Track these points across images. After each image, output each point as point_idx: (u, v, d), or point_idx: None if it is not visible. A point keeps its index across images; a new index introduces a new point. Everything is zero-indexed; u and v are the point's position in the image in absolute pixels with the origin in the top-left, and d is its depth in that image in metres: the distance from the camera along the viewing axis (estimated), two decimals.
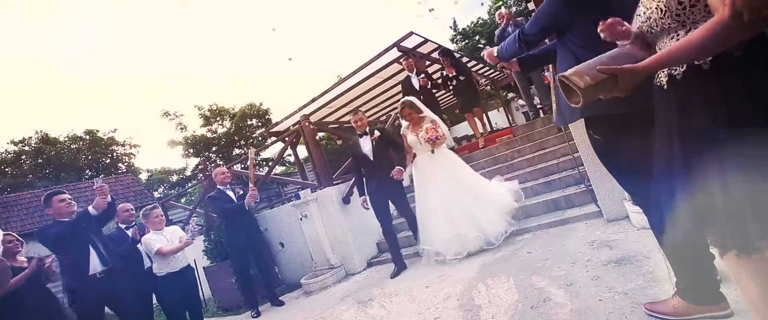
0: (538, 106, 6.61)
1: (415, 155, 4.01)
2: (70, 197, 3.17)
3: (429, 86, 5.96)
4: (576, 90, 1.12)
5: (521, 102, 7.03)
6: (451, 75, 6.04)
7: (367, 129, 4.07)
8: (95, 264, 3.07)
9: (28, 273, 2.90)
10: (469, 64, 10.19)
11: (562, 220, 3.62)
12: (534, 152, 5.37)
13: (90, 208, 3.17)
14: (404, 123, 4.00)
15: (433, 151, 3.80)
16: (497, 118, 15.76)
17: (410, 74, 6.08)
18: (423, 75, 5.97)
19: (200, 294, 5.23)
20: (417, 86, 5.87)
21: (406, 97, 4.10)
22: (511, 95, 16.90)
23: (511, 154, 5.63)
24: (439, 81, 6.22)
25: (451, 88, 6.18)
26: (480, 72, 11.18)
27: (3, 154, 24.78)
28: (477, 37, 23.06)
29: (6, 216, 15.27)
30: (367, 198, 4.09)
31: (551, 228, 3.62)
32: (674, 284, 1.65)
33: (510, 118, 12.88)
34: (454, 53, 6.57)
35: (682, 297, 1.56)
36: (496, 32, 6.20)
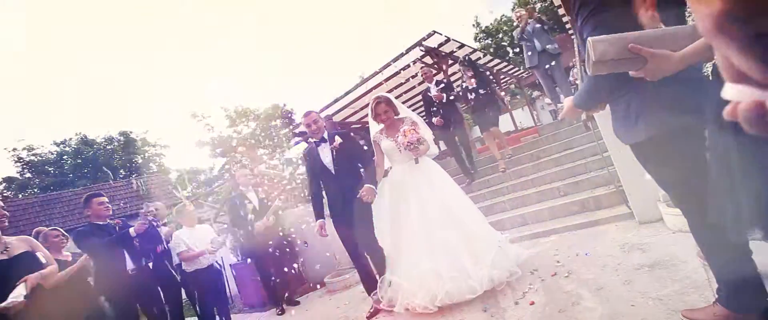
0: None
1: (386, 171, 3.21)
2: (107, 201, 3.35)
3: (444, 101, 5.39)
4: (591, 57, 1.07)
5: (548, 100, 6.72)
6: (470, 87, 5.47)
7: (325, 134, 3.21)
8: (128, 263, 3.25)
9: (78, 267, 3.05)
10: (492, 63, 10.05)
11: (591, 222, 3.51)
12: (560, 151, 5.23)
13: (131, 230, 3.30)
14: (375, 126, 3.18)
15: (416, 160, 2.99)
16: (522, 116, 15.46)
17: (429, 85, 5.63)
18: (442, 85, 5.48)
19: (227, 290, 5.38)
20: (435, 98, 5.43)
21: (381, 94, 3.21)
22: (536, 93, 16.54)
23: (536, 153, 5.51)
24: (460, 93, 5.63)
25: (471, 102, 5.55)
26: (505, 70, 10.98)
27: (47, 155, 26.31)
28: (501, 35, 22.67)
29: (49, 213, 16.20)
30: (325, 222, 3.13)
31: (579, 230, 3.51)
32: (715, 291, 1.57)
33: (535, 117, 12.59)
34: (477, 63, 5.91)
35: (724, 305, 1.48)
36: (515, 33, 6.04)
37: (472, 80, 5.45)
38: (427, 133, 3.09)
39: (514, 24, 6.14)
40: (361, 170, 3.16)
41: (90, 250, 3.13)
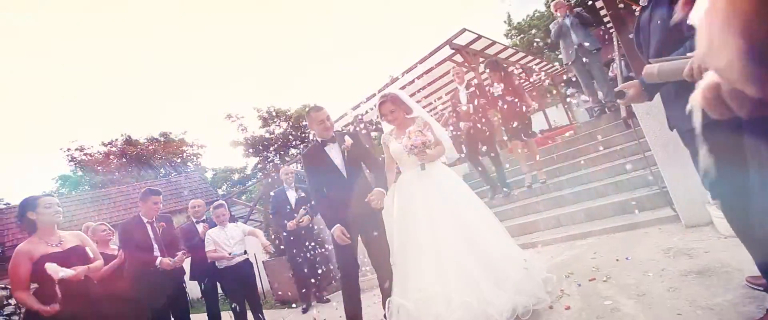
0: (604, 101, 6.03)
1: (398, 174, 2.88)
2: (161, 201, 3.54)
3: (471, 111, 4.83)
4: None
5: (584, 97, 6.38)
6: (498, 93, 4.92)
7: (334, 134, 2.82)
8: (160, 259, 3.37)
9: (118, 262, 3.23)
10: (524, 60, 9.77)
11: (631, 224, 3.33)
12: (598, 151, 5.01)
13: (157, 262, 3.31)
14: (386, 126, 2.88)
15: (422, 167, 2.61)
16: (556, 114, 14.95)
17: (458, 87, 5.07)
18: (472, 88, 4.95)
19: (260, 286, 5.54)
20: (464, 102, 4.91)
21: (388, 92, 2.86)
22: (571, 90, 15.95)
23: (572, 153, 5.30)
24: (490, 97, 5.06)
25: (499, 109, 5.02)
26: (537, 67, 10.65)
27: (95, 155, 28.13)
28: (533, 31, 22.01)
29: (97, 209, 17.32)
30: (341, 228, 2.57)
31: (618, 233, 3.34)
32: None
33: (570, 115, 12.14)
34: (504, 66, 5.23)
35: None
36: (552, 26, 5.77)
37: (500, 86, 4.89)
38: (442, 135, 2.77)
39: (553, 17, 5.88)
40: (367, 173, 2.88)
41: (126, 244, 3.28)
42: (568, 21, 5.50)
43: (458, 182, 2.75)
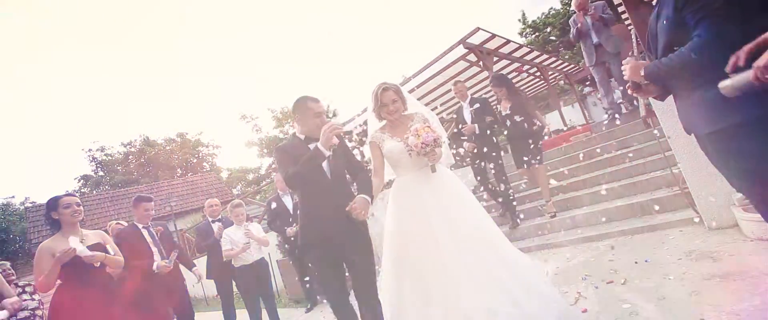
0: (619, 102, 5.75)
1: (386, 182, 2.47)
2: (153, 206, 3.50)
3: (476, 132, 4.35)
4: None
5: (600, 95, 6.17)
6: (505, 112, 4.38)
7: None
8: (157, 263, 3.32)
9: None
10: (539, 59, 9.63)
11: (650, 226, 3.25)
12: (615, 150, 4.90)
13: (154, 267, 3.25)
14: (372, 125, 2.51)
15: (433, 169, 2.23)
16: (572, 114, 14.69)
17: (462, 103, 4.59)
18: (477, 105, 4.43)
19: (274, 285, 5.59)
20: (468, 121, 4.43)
21: (387, 81, 2.42)
22: (587, 89, 15.66)
23: (588, 152, 5.20)
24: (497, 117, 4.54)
25: (505, 131, 4.61)
26: (553, 66, 10.49)
27: (115, 155, 28.91)
28: (548, 30, 21.69)
29: (118, 208, 17.80)
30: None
31: (637, 235, 3.27)
32: None
33: (586, 114, 11.92)
34: (511, 81, 4.61)
35: None
36: (572, 23, 5.56)
37: (508, 103, 4.37)
38: (443, 133, 2.42)
39: (568, 14, 5.77)
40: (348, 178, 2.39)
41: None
42: (588, 20, 5.29)
43: (463, 185, 2.39)
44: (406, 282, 2.13)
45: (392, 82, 2.42)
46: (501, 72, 6.78)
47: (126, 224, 3.69)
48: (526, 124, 4.24)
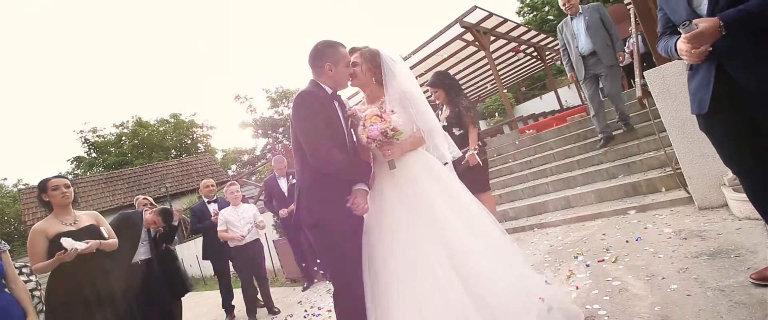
0: (616, 121, 4.73)
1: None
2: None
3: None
4: None
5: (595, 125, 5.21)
6: (442, 123, 3.34)
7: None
8: (139, 254, 3.29)
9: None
10: (537, 39, 9.51)
11: (642, 206, 3.29)
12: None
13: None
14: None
15: (392, 165, 1.84)
16: (568, 95, 14.66)
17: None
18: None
19: (270, 265, 5.66)
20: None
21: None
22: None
23: (583, 133, 5.21)
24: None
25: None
26: (550, 46, 10.37)
27: (108, 136, 28.56)
28: (547, 9, 21.36)
29: (112, 189, 17.72)
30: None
31: (629, 215, 3.31)
32: None
33: (583, 96, 11.89)
34: (452, 80, 3.60)
35: None
36: (559, 29, 4.68)
37: (448, 110, 3.48)
38: (425, 118, 1.88)
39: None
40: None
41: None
42: (581, 20, 4.36)
43: (449, 187, 1.90)
44: (368, 286, 1.80)
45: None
46: (496, 53, 6.59)
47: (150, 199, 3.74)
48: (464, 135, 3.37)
